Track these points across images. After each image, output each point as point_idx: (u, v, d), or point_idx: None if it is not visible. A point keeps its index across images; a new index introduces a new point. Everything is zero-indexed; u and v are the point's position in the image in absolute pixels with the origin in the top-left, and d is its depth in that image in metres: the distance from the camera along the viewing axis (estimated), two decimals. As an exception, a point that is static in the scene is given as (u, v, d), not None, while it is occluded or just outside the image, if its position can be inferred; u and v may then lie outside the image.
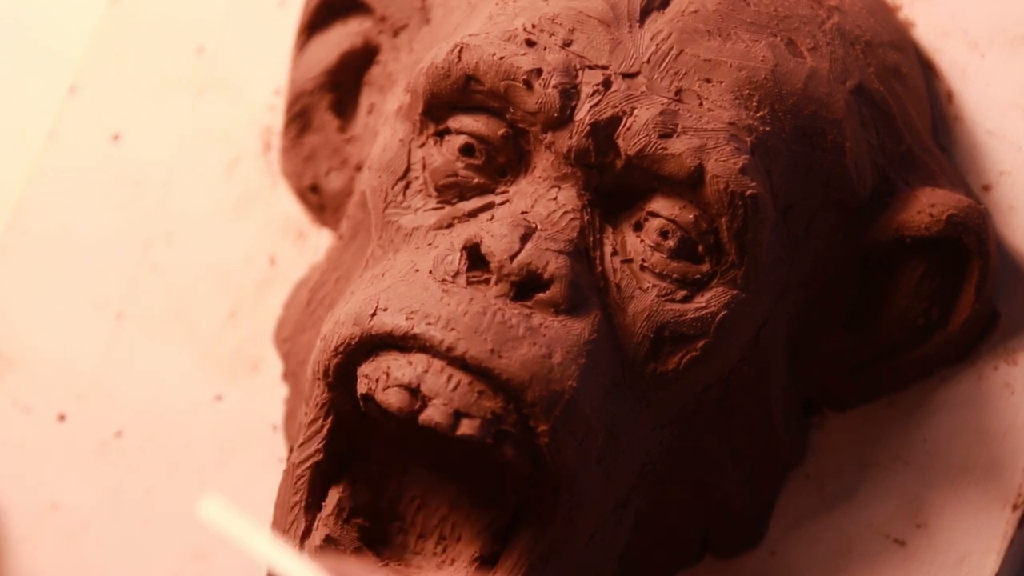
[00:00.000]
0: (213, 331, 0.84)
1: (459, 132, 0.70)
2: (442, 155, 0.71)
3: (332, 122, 0.81)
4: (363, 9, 0.80)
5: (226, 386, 0.84)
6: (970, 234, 0.73)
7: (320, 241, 0.83)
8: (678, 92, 0.69)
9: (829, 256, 0.73)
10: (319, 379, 0.69)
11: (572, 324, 0.67)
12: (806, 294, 0.74)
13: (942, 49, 0.79)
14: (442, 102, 0.70)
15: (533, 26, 0.70)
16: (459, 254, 0.68)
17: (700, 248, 0.69)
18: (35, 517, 0.85)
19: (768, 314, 0.72)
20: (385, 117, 0.76)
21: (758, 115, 0.70)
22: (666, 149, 0.68)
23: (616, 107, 0.68)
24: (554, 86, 0.68)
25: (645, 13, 0.70)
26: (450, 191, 0.71)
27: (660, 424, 0.71)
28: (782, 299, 0.72)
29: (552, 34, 0.69)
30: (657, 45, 0.70)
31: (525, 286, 0.67)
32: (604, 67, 0.69)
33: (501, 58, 0.69)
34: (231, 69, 0.86)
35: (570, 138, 0.68)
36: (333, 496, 0.70)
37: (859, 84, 0.73)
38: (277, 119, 0.84)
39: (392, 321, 0.67)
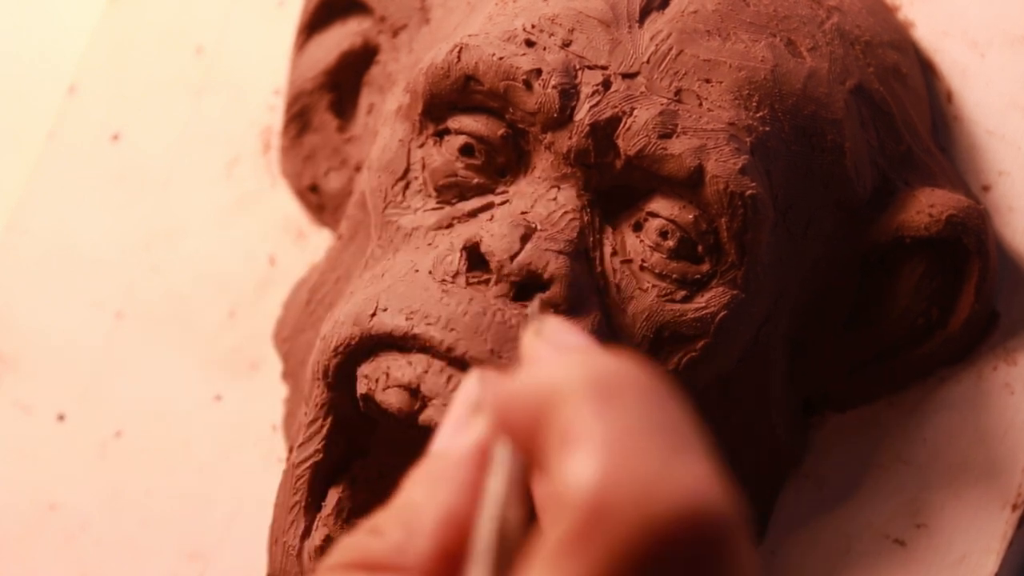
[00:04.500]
0: (212, 331, 0.84)
1: (459, 132, 0.70)
2: (442, 155, 0.71)
3: (331, 122, 0.81)
4: (362, 9, 0.80)
5: (226, 386, 0.84)
6: (969, 234, 0.73)
7: (320, 241, 0.83)
8: (678, 92, 0.69)
9: (829, 256, 0.73)
10: (319, 379, 0.69)
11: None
12: (806, 294, 0.74)
13: (942, 49, 0.79)
14: (441, 102, 0.70)
15: (533, 26, 0.70)
16: (459, 254, 0.67)
17: (700, 248, 0.69)
18: (34, 517, 0.84)
19: (768, 314, 0.72)
20: (385, 117, 0.76)
21: (758, 115, 0.69)
22: (666, 149, 0.68)
23: (616, 107, 0.68)
24: (553, 86, 0.68)
25: (645, 13, 0.70)
26: (450, 191, 0.70)
27: (660, 424, 0.71)
28: (782, 299, 0.72)
29: (552, 34, 0.69)
30: (657, 45, 0.69)
31: (525, 286, 0.67)
32: (604, 67, 0.69)
33: (500, 58, 0.69)
34: (231, 69, 0.86)
35: (570, 138, 0.68)
36: (333, 496, 0.70)
37: (859, 84, 0.73)
38: (277, 119, 0.84)
39: (392, 321, 0.67)
